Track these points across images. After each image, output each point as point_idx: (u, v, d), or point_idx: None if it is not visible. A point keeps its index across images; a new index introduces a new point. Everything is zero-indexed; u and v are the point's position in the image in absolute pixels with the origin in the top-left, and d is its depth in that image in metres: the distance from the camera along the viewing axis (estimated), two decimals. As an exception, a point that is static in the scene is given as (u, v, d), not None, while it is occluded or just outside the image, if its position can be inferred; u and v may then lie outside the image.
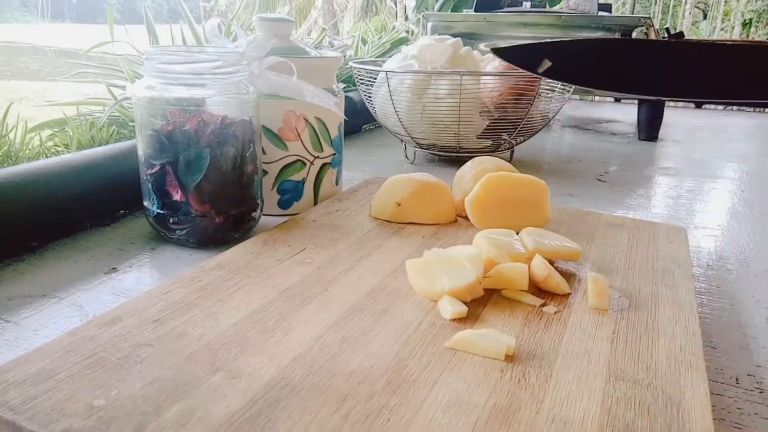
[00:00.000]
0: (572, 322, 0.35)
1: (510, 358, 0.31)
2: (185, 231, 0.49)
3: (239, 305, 0.36)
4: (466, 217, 0.53)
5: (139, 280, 0.45)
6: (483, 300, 0.38)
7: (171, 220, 0.49)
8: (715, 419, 0.31)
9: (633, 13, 4.00)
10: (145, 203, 0.50)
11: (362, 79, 0.84)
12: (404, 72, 0.78)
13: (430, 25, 1.23)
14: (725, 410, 0.32)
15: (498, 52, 0.29)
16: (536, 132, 0.84)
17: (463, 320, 0.35)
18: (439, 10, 1.87)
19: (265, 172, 0.56)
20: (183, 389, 0.27)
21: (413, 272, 0.39)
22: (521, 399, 0.28)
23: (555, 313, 0.36)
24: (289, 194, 0.57)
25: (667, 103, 1.10)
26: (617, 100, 1.63)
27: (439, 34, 0.96)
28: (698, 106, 1.58)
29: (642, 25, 1.03)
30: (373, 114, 0.86)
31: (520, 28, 1.15)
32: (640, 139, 1.11)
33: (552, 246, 0.43)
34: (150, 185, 0.48)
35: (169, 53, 0.49)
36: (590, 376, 0.30)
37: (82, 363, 0.29)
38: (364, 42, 1.48)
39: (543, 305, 0.37)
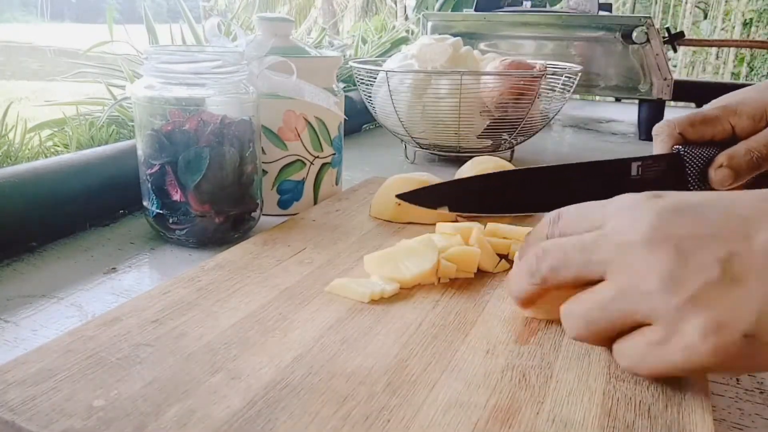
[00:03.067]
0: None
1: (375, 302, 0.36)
2: (185, 231, 0.49)
3: (239, 305, 0.36)
4: (466, 217, 0.53)
5: (139, 280, 0.45)
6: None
7: (170, 220, 0.49)
8: (715, 420, 0.30)
9: (633, 13, 4.01)
10: (145, 203, 0.50)
11: (362, 79, 0.84)
12: (404, 72, 0.77)
13: (430, 24, 1.22)
14: (726, 410, 0.32)
15: (401, 197, 0.36)
16: (536, 132, 0.84)
17: (463, 319, 0.35)
18: (439, 9, 1.87)
19: (264, 172, 0.56)
20: (183, 390, 0.27)
21: (374, 265, 0.40)
22: (521, 400, 0.28)
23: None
24: (289, 194, 0.57)
25: (667, 103, 1.09)
26: (617, 99, 1.63)
27: (439, 34, 0.96)
28: (698, 105, 1.58)
29: (642, 25, 1.03)
30: (373, 114, 0.86)
31: (520, 28, 1.15)
32: (640, 139, 1.11)
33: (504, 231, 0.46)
34: (149, 185, 0.48)
35: (169, 53, 0.48)
36: (591, 376, 0.30)
37: (81, 363, 0.29)
38: (364, 42, 1.47)
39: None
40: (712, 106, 0.42)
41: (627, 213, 0.29)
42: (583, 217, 0.31)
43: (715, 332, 0.25)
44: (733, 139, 0.41)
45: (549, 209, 0.37)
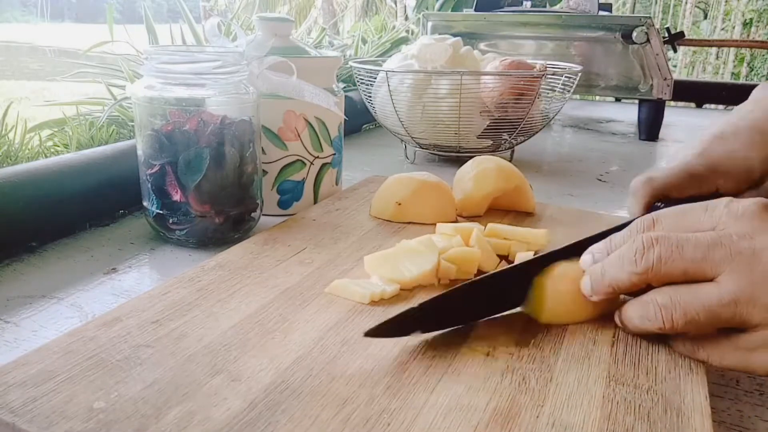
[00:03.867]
0: (572, 325, 0.35)
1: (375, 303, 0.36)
2: (185, 231, 0.49)
3: (239, 306, 0.36)
4: (466, 217, 0.53)
5: (139, 280, 0.45)
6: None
7: (171, 220, 0.49)
8: (715, 421, 0.30)
9: (633, 13, 4.01)
10: (145, 203, 0.50)
11: (362, 79, 0.83)
12: (404, 72, 0.77)
13: (430, 24, 1.22)
14: (725, 412, 0.32)
15: (369, 333, 0.32)
16: (536, 132, 0.84)
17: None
18: (439, 9, 1.87)
19: (264, 172, 0.56)
20: (183, 392, 0.27)
21: (374, 265, 0.40)
22: (521, 403, 0.28)
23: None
24: (289, 194, 0.57)
25: (667, 103, 1.09)
26: (617, 99, 1.63)
27: (439, 34, 0.96)
28: (698, 105, 1.58)
29: (642, 25, 1.03)
30: (373, 114, 0.86)
31: (520, 28, 1.15)
32: (640, 139, 1.10)
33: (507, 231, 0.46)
34: (149, 185, 0.48)
35: (169, 53, 0.48)
36: (590, 380, 0.30)
37: (82, 364, 0.29)
38: (364, 41, 1.47)
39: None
40: (697, 160, 0.41)
41: (747, 220, 0.29)
42: (685, 218, 0.31)
43: None
44: (715, 194, 0.40)
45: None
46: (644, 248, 0.30)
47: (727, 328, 0.30)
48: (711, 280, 0.29)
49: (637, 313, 0.32)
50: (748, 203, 0.30)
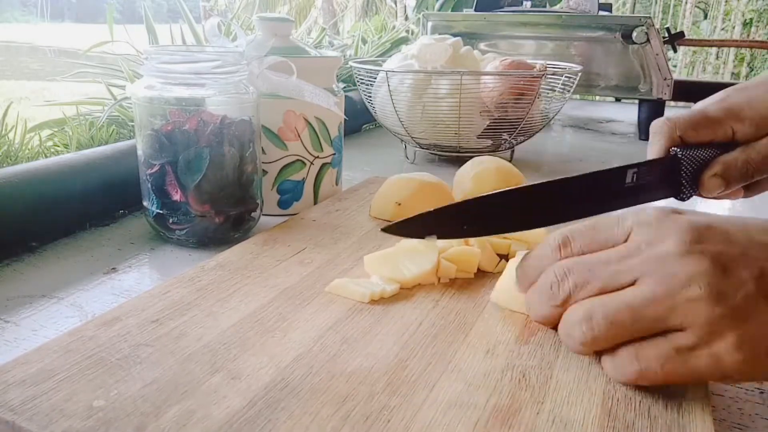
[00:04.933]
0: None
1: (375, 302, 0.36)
2: (185, 231, 0.49)
3: (239, 305, 0.36)
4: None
5: (139, 280, 0.45)
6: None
7: (171, 220, 0.49)
8: (715, 419, 0.30)
9: (633, 13, 4.01)
10: (145, 203, 0.50)
11: (362, 79, 0.84)
12: (404, 72, 0.77)
13: (430, 24, 1.22)
14: (726, 411, 0.32)
15: (386, 230, 0.36)
16: (536, 132, 0.84)
17: (463, 319, 0.35)
18: (439, 9, 1.87)
19: (264, 172, 0.56)
20: (182, 390, 0.27)
21: (374, 265, 0.40)
22: (521, 400, 0.28)
23: None
24: (289, 194, 0.57)
25: (667, 103, 1.09)
26: (617, 99, 1.63)
27: (439, 34, 0.96)
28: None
29: (642, 25, 1.03)
30: (373, 114, 0.86)
31: (520, 28, 1.15)
32: (640, 138, 1.10)
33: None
34: (149, 185, 0.48)
35: (169, 53, 0.48)
36: (591, 376, 0.30)
37: (81, 363, 0.29)
38: (364, 41, 1.47)
39: None
40: (715, 105, 0.41)
41: (653, 228, 0.29)
42: (598, 234, 0.31)
43: (747, 345, 0.26)
44: (731, 142, 0.40)
45: (544, 225, 0.37)
46: (558, 280, 0.30)
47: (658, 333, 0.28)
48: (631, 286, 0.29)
49: (563, 331, 0.31)
50: (652, 211, 0.30)
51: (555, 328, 0.32)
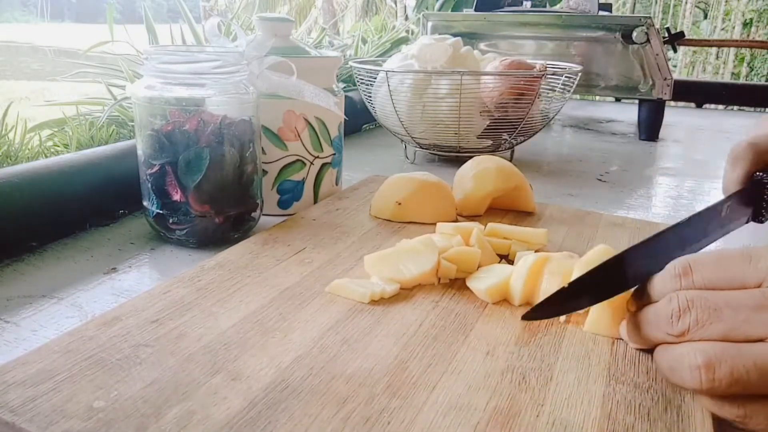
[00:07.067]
0: (573, 324, 0.35)
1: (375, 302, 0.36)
2: (185, 231, 0.49)
3: (239, 305, 0.36)
4: (466, 217, 0.53)
5: (139, 280, 0.45)
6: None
7: (171, 220, 0.49)
8: (715, 420, 0.30)
9: (633, 13, 4.01)
10: (145, 203, 0.50)
11: (362, 79, 0.83)
12: (404, 72, 0.77)
13: (430, 24, 1.22)
14: (726, 412, 0.32)
15: (526, 317, 0.35)
16: (536, 132, 0.84)
17: (463, 320, 0.35)
18: (439, 9, 1.87)
19: (264, 172, 0.56)
20: (183, 391, 0.27)
21: (374, 265, 0.40)
22: (521, 402, 0.28)
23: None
24: (289, 194, 0.57)
25: (667, 103, 1.09)
26: (617, 99, 1.63)
27: (440, 34, 0.96)
28: (698, 105, 1.58)
29: (642, 25, 1.03)
30: (373, 114, 0.86)
31: (520, 28, 1.15)
32: (640, 139, 1.11)
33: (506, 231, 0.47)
34: (149, 185, 0.48)
35: (169, 53, 0.48)
36: (591, 379, 0.30)
37: (81, 364, 0.29)
38: (364, 41, 1.47)
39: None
40: None
41: None
42: (725, 270, 0.29)
43: None
44: None
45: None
46: (680, 311, 0.28)
47: None
48: (759, 341, 0.27)
49: (667, 363, 0.29)
50: None
51: (645, 349, 0.32)
